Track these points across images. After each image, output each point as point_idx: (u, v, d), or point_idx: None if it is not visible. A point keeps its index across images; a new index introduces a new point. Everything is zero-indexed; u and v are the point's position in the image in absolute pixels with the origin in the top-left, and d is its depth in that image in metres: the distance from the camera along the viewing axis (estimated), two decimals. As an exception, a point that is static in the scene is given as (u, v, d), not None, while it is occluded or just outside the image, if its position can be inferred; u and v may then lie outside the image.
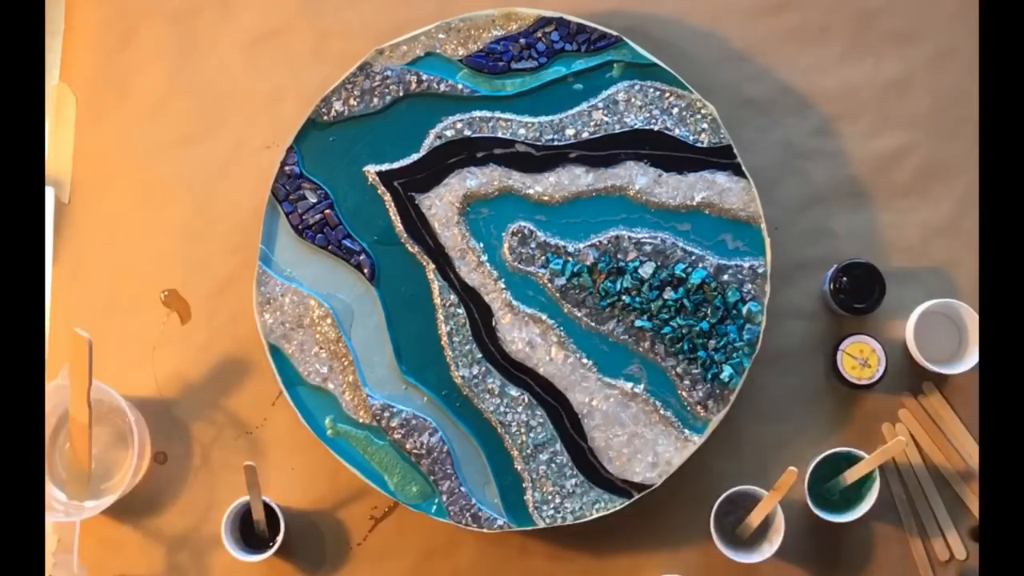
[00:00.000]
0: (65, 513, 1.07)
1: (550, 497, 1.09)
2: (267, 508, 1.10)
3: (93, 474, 1.10)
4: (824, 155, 1.16)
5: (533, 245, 1.11)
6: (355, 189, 1.13)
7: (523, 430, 1.10)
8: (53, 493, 1.09)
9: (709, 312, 1.09)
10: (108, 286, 1.17)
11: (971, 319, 1.09)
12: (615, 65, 1.12)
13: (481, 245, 1.12)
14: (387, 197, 1.12)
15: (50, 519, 1.04)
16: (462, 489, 1.09)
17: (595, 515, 1.09)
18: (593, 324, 1.10)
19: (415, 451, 1.10)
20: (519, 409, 1.10)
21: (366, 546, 1.14)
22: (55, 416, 1.10)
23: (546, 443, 1.10)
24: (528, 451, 1.10)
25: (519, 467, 1.10)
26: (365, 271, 1.12)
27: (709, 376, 1.09)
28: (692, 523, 1.13)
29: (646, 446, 1.09)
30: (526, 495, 1.09)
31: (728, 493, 1.07)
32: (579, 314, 1.11)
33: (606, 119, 1.12)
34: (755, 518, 1.07)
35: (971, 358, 1.09)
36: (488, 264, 1.12)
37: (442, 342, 1.11)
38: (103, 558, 1.14)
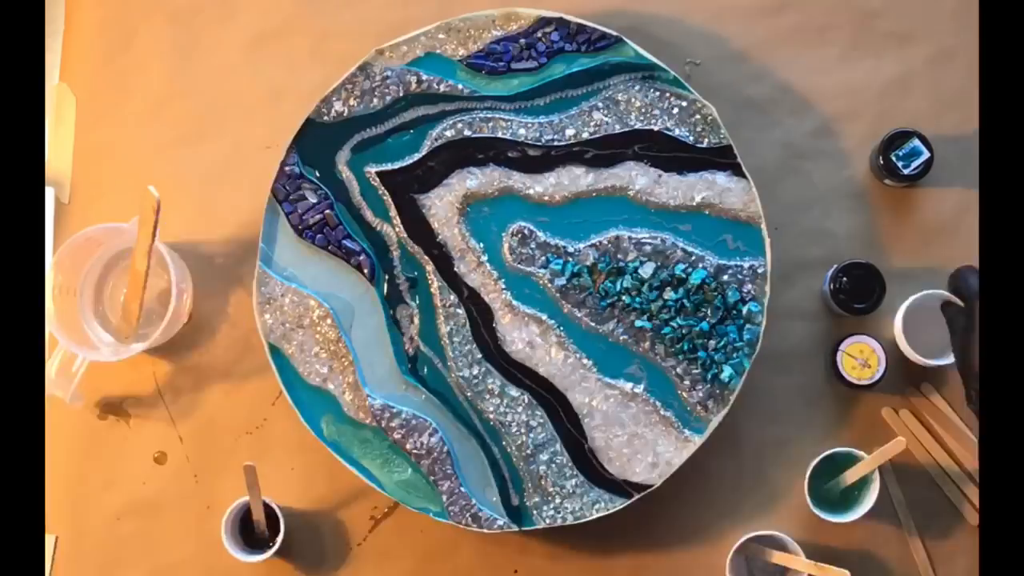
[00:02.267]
0: (113, 353, 1.11)
1: (550, 497, 1.09)
2: (267, 508, 1.10)
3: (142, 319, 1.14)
4: (824, 155, 1.16)
5: (533, 245, 1.11)
6: (355, 189, 1.13)
7: (523, 430, 1.10)
8: (96, 332, 1.14)
9: (709, 312, 1.09)
10: (108, 286, 1.17)
11: None
12: (610, 66, 1.12)
13: (481, 245, 1.12)
14: (387, 197, 1.12)
15: (93, 358, 1.10)
16: (462, 489, 1.09)
17: (595, 515, 1.09)
18: (593, 324, 1.10)
19: (415, 451, 1.10)
20: (519, 409, 1.10)
21: (366, 546, 1.14)
22: (103, 260, 1.16)
23: (546, 443, 1.10)
24: (528, 451, 1.10)
25: (519, 467, 1.10)
26: (365, 271, 1.12)
27: (709, 376, 1.09)
28: (692, 523, 1.13)
29: (646, 446, 1.09)
30: (526, 495, 1.09)
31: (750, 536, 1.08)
32: (579, 314, 1.11)
33: (606, 119, 1.12)
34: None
35: None
36: (488, 264, 1.12)
37: (442, 342, 1.11)
38: (106, 557, 1.14)
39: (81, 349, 1.10)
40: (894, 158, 1.11)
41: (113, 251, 1.16)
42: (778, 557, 1.07)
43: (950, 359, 1.09)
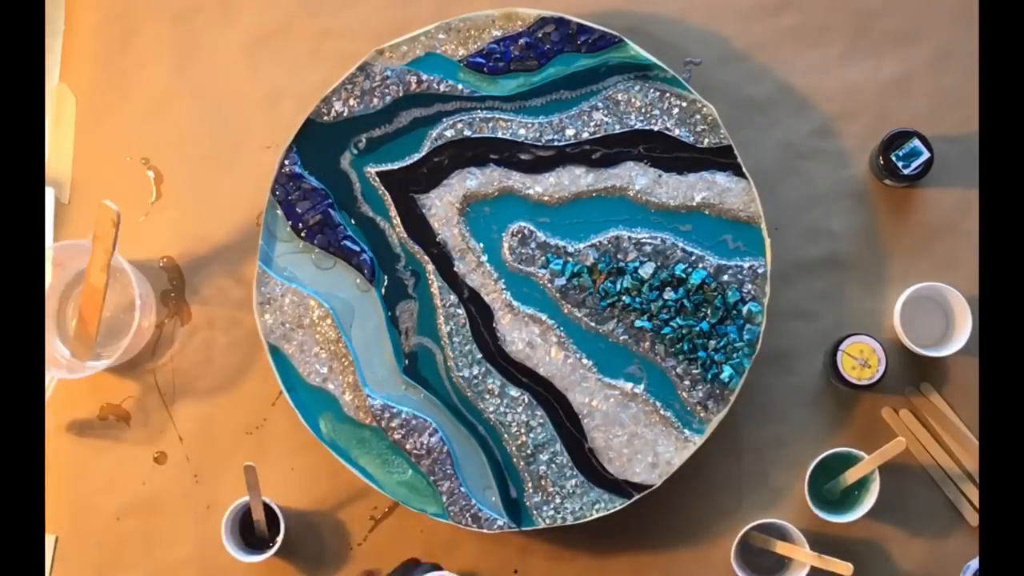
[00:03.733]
0: (68, 370, 1.11)
1: (550, 497, 1.09)
2: (267, 508, 1.10)
3: (100, 337, 1.14)
4: (824, 155, 1.16)
5: (533, 245, 1.12)
6: (355, 189, 1.13)
7: (523, 430, 1.10)
8: (58, 348, 1.14)
9: (709, 312, 1.09)
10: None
11: (956, 300, 1.09)
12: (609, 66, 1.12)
13: (481, 245, 1.12)
14: (387, 197, 1.13)
15: (53, 373, 1.09)
16: (462, 489, 1.09)
17: (595, 515, 1.09)
18: (593, 324, 1.10)
19: (415, 451, 1.10)
20: (519, 409, 1.10)
21: (366, 546, 1.14)
22: (65, 279, 1.15)
23: (546, 443, 1.10)
24: (528, 451, 1.10)
25: (519, 467, 1.10)
26: (365, 272, 1.12)
27: (709, 376, 1.09)
28: (692, 523, 1.13)
29: (646, 446, 1.09)
30: (526, 495, 1.09)
31: (755, 524, 1.08)
32: (579, 314, 1.11)
33: (606, 119, 1.12)
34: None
35: (960, 339, 1.09)
36: (488, 264, 1.12)
37: (442, 342, 1.11)
38: (106, 557, 1.14)
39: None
40: (894, 158, 1.12)
41: (77, 269, 1.15)
42: (782, 547, 1.07)
43: (948, 350, 1.09)
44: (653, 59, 1.11)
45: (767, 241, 1.10)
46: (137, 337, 1.10)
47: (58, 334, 1.15)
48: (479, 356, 1.11)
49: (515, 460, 1.10)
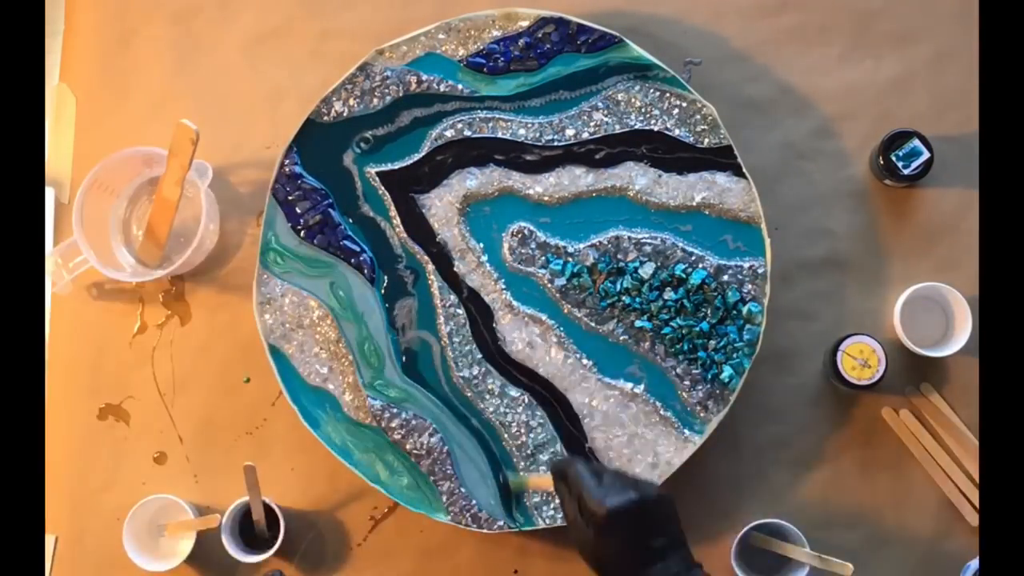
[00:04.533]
0: (131, 274, 1.14)
1: (550, 497, 1.09)
2: (267, 508, 1.10)
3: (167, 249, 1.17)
4: (824, 155, 1.16)
5: (533, 245, 1.11)
6: (355, 189, 1.13)
7: (523, 431, 1.10)
8: (122, 256, 1.16)
9: (709, 312, 1.09)
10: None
11: (956, 300, 1.09)
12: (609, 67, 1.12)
13: (481, 245, 1.12)
14: (387, 197, 1.13)
15: (113, 275, 1.11)
16: (462, 489, 1.09)
17: (595, 515, 1.09)
18: (593, 324, 1.10)
19: (415, 451, 1.10)
20: (519, 410, 1.10)
21: (366, 546, 1.14)
22: (133, 185, 1.17)
23: (546, 443, 1.10)
24: (528, 451, 1.10)
25: (519, 467, 1.10)
26: (365, 271, 1.12)
27: (709, 376, 1.09)
28: (692, 523, 1.12)
29: (646, 446, 1.09)
30: (526, 495, 1.09)
31: (756, 524, 1.08)
32: (579, 314, 1.11)
33: (606, 119, 1.12)
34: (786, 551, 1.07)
35: (960, 339, 1.09)
36: (488, 264, 1.12)
37: (442, 342, 1.11)
38: (106, 557, 1.14)
39: (104, 266, 1.11)
40: (894, 158, 1.12)
41: (143, 179, 1.17)
42: (782, 547, 1.07)
43: (948, 351, 1.09)
44: (653, 59, 1.11)
45: (767, 241, 1.10)
46: (199, 249, 1.12)
47: (124, 242, 1.17)
48: (479, 356, 1.11)
49: (515, 460, 1.10)
